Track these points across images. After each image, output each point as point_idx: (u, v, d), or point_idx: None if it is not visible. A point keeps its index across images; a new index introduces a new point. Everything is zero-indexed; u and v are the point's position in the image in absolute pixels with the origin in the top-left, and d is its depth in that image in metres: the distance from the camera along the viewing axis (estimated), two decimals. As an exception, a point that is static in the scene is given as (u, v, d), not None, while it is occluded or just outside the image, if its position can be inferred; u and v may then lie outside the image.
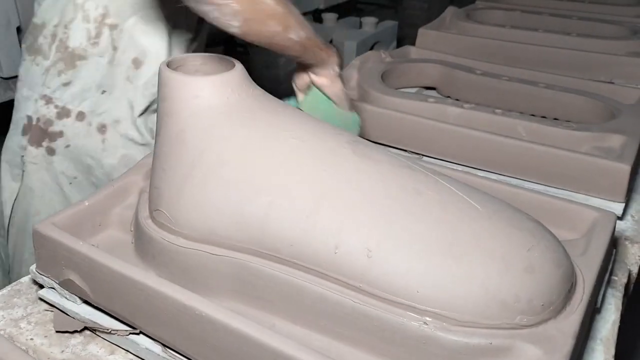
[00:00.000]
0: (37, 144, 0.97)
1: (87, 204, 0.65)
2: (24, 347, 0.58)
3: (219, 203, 0.58)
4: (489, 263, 0.51)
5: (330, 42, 2.68)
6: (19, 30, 1.48)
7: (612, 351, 0.61)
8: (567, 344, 0.48)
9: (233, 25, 0.65)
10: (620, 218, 0.80)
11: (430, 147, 0.93)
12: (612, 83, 1.12)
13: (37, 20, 0.95)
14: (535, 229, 0.55)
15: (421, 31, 1.33)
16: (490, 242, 0.52)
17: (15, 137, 1.00)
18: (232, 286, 0.58)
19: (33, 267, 0.64)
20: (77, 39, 0.92)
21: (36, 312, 0.63)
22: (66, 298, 0.61)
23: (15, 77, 1.51)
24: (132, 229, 0.66)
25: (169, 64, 0.62)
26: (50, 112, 0.95)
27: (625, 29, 1.34)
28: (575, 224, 0.67)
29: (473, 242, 0.52)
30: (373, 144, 0.64)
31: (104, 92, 0.94)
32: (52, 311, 0.63)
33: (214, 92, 0.60)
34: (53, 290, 0.62)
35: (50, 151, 0.97)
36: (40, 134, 0.96)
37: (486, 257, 0.51)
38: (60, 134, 0.96)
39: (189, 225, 0.59)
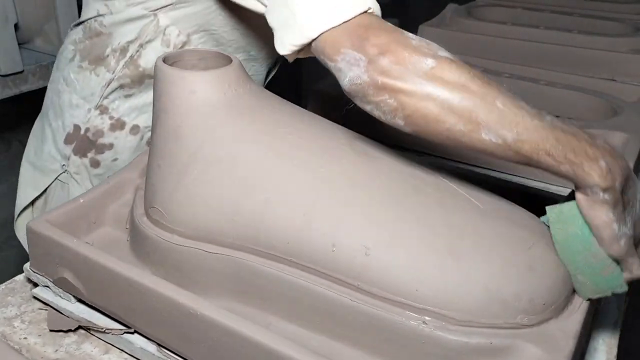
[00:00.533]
0: (82, 154, 0.91)
1: (82, 201, 0.64)
2: (17, 346, 0.58)
3: (215, 200, 0.57)
4: (489, 261, 0.50)
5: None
6: (16, 27, 1.47)
7: (614, 351, 0.60)
8: (568, 344, 0.47)
9: (398, 123, 0.52)
10: (623, 216, 0.79)
11: (431, 145, 0.92)
12: (614, 80, 1.11)
13: (103, 29, 0.86)
14: (536, 227, 0.54)
15: (421, 28, 1.32)
16: (490, 240, 0.51)
17: (55, 143, 0.94)
18: (227, 284, 0.57)
19: (27, 265, 0.63)
20: (151, 60, 0.85)
21: (30, 311, 0.63)
22: (60, 297, 0.61)
23: (13, 74, 1.51)
24: (128, 227, 0.65)
25: (165, 59, 0.61)
26: (104, 123, 0.89)
27: (628, 26, 1.33)
28: (577, 222, 0.66)
29: (473, 240, 0.51)
30: (372, 141, 0.63)
31: None
32: (46, 310, 0.62)
33: (211, 87, 0.59)
34: (47, 288, 0.62)
35: (95, 163, 0.92)
36: (88, 144, 0.91)
37: (486, 255, 0.50)
38: (110, 146, 0.90)
39: (185, 223, 0.58)
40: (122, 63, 0.86)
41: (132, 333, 0.56)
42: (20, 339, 0.59)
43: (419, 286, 0.50)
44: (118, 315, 0.57)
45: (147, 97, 0.88)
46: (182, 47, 0.85)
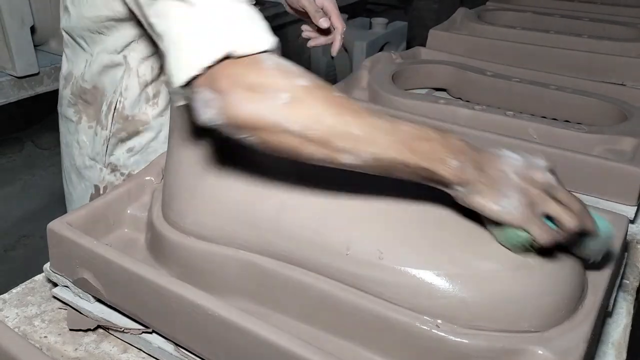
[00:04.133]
0: None
1: (101, 203, 0.66)
2: (37, 345, 0.59)
3: (231, 204, 0.58)
4: (501, 266, 0.51)
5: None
6: (32, 29, 1.49)
7: (624, 355, 0.61)
8: (578, 348, 0.48)
9: (241, 135, 0.50)
10: (632, 221, 0.80)
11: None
12: (624, 85, 1.11)
13: (85, 84, 0.86)
14: (547, 232, 0.55)
15: (432, 32, 1.33)
16: (501, 245, 0.52)
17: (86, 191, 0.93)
18: (243, 286, 0.59)
19: (47, 266, 0.64)
20: (136, 105, 0.84)
21: (50, 310, 0.64)
22: (80, 296, 0.62)
23: (29, 76, 1.54)
24: (146, 228, 0.66)
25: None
26: (117, 179, 0.90)
27: (637, 30, 1.33)
28: (587, 227, 0.66)
29: (484, 245, 0.52)
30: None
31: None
32: (65, 309, 0.63)
33: (227, 93, 0.60)
34: (67, 288, 0.63)
35: None
36: None
37: (497, 260, 0.51)
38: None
39: (201, 225, 0.60)
40: (110, 117, 0.85)
41: (150, 333, 0.58)
42: (40, 337, 0.60)
43: (432, 290, 0.51)
44: (137, 315, 0.58)
45: (147, 147, 0.87)
46: (158, 78, 0.83)
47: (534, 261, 0.52)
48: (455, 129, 0.91)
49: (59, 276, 0.63)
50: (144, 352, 0.59)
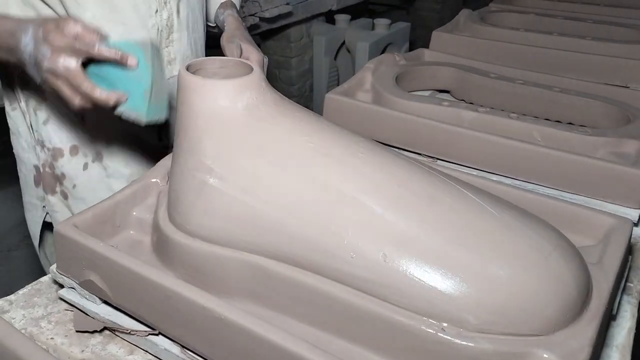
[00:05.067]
0: (52, 190, 0.93)
1: (107, 205, 0.66)
2: (44, 347, 0.59)
3: (236, 207, 0.59)
4: (506, 270, 0.51)
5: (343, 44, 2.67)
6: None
7: (628, 358, 0.61)
8: (583, 351, 0.48)
9: None
10: (636, 224, 0.80)
11: (445, 151, 0.93)
12: (627, 87, 1.11)
13: None
14: (553, 236, 0.55)
15: (435, 34, 1.33)
16: (507, 249, 0.53)
17: (30, 191, 0.96)
18: (248, 288, 0.59)
19: (53, 267, 0.65)
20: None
21: (56, 312, 0.64)
22: (86, 298, 0.62)
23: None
24: (151, 230, 0.67)
25: (187, 67, 0.63)
26: (47, 155, 0.91)
27: (641, 32, 1.33)
28: (591, 230, 0.67)
29: (490, 249, 0.52)
30: (391, 149, 0.64)
31: (82, 117, 0.89)
32: (72, 311, 0.64)
33: (232, 95, 0.60)
34: (73, 290, 0.63)
35: (64, 195, 0.94)
36: (51, 179, 0.93)
37: (503, 264, 0.52)
38: (63, 175, 0.92)
39: (207, 227, 0.60)
40: (18, 88, 0.88)
41: (156, 334, 0.58)
42: (47, 339, 0.61)
43: (437, 293, 0.51)
44: (143, 317, 0.58)
45: (57, 115, 0.88)
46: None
47: (541, 265, 0.52)
48: (459, 132, 0.91)
49: (65, 278, 0.63)
50: (150, 353, 0.59)
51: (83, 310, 0.62)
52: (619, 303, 0.64)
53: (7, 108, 0.93)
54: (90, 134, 0.91)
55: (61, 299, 0.65)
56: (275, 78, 2.67)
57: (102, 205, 0.66)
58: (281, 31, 2.54)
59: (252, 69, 0.63)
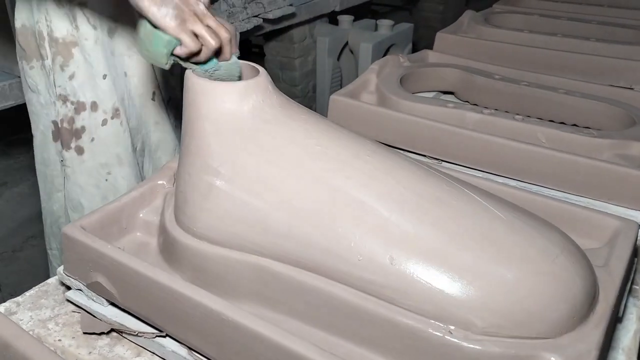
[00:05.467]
0: (68, 146, 0.99)
1: (114, 207, 0.66)
2: (52, 348, 0.60)
3: (243, 209, 0.59)
4: (514, 273, 0.51)
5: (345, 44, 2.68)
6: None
7: (634, 361, 0.61)
8: (590, 354, 0.48)
9: None
10: (642, 226, 0.80)
11: (450, 153, 0.93)
12: (632, 89, 1.11)
13: (17, 23, 0.96)
14: (560, 240, 0.55)
15: (439, 35, 1.33)
16: (514, 252, 0.53)
17: (48, 146, 1.02)
18: (255, 290, 0.59)
19: (61, 269, 0.65)
20: (62, 27, 0.92)
21: (63, 314, 0.65)
22: (93, 300, 0.63)
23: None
24: (158, 232, 0.67)
25: (194, 70, 0.63)
26: (69, 109, 0.97)
27: (646, 34, 1.33)
28: (597, 233, 0.67)
29: (497, 252, 0.53)
30: (397, 151, 0.64)
31: (105, 76, 0.96)
32: (79, 312, 0.64)
33: (240, 98, 0.60)
34: (80, 292, 0.64)
35: (80, 150, 0.99)
36: (68, 134, 0.98)
37: (511, 267, 0.52)
38: (83, 129, 0.98)
39: (214, 230, 0.60)
40: (46, 46, 0.94)
41: (163, 336, 0.58)
42: (54, 340, 0.61)
43: (444, 296, 0.51)
44: (150, 319, 0.59)
45: (84, 71, 0.95)
46: (71, 1, 0.90)
47: (548, 268, 0.52)
48: (463, 133, 0.91)
49: (72, 279, 0.63)
50: (157, 355, 0.59)
51: (90, 312, 0.62)
52: (625, 305, 0.64)
53: (25, 67, 0.99)
54: (110, 91, 0.97)
55: (68, 300, 0.65)
56: (279, 79, 2.67)
57: (109, 208, 0.66)
58: (284, 32, 2.54)
59: (258, 72, 0.64)
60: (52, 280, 0.70)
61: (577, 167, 0.83)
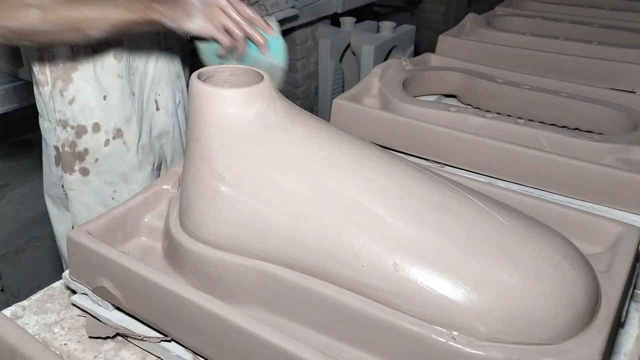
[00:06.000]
0: (70, 169, 1.00)
1: (119, 211, 0.67)
2: (58, 352, 0.60)
3: (247, 215, 0.59)
4: (517, 279, 0.52)
5: (347, 47, 2.68)
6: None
7: (636, 366, 0.62)
8: (593, 360, 0.49)
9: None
10: (644, 231, 0.80)
11: (452, 157, 0.93)
12: (634, 92, 1.11)
13: (26, 53, 0.98)
14: (562, 246, 0.56)
15: (441, 38, 1.34)
16: (517, 258, 0.53)
17: (51, 170, 1.04)
18: (260, 295, 0.59)
19: (66, 273, 0.65)
20: (62, 53, 0.94)
21: (69, 318, 0.65)
22: (98, 304, 0.63)
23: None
24: (163, 237, 0.67)
25: (199, 76, 0.63)
26: (69, 134, 0.98)
27: (648, 37, 1.33)
28: (599, 238, 0.67)
29: (500, 258, 0.53)
30: (400, 156, 0.65)
31: (105, 97, 0.97)
32: (84, 316, 0.64)
33: (244, 104, 0.61)
34: (85, 296, 0.64)
35: (84, 171, 1.00)
36: (70, 158, 1.00)
37: (514, 273, 0.52)
38: (86, 151, 0.99)
39: (218, 235, 0.60)
40: (47, 71, 0.95)
41: (169, 341, 0.59)
42: (60, 344, 0.61)
43: (447, 302, 0.51)
44: (155, 323, 0.59)
45: (83, 94, 0.97)
46: None
47: (550, 274, 0.52)
48: (465, 137, 0.92)
49: (78, 284, 0.64)
50: (162, 360, 0.60)
51: (96, 316, 0.63)
52: (627, 311, 0.64)
53: (35, 91, 1.01)
54: (111, 112, 0.99)
55: (74, 304, 0.65)
56: (280, 80, 2.67)
57: (114, 212, 0.67)
58: (287, 34, 2.54)
59: (262, 77, 0.64)
60: (57, 284, 0.70)
61: (579, 171, 0.84)
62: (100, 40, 0.90)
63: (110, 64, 0.96)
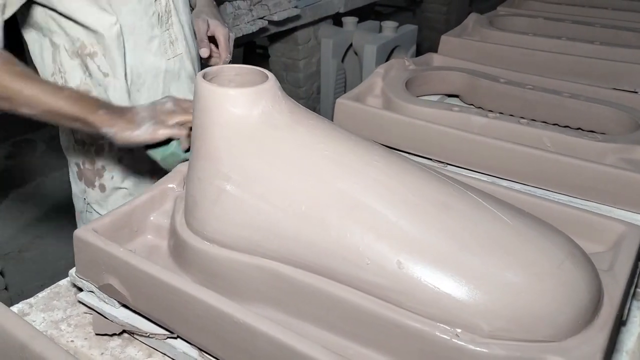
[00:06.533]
0: (92, 184, 1.04)
1: (125, 210, 0.67)
2: (65, 349, 0.61)
3: (252, 213, 0.60)
4: (520, 278, 0.52)
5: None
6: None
7: (638, 364, 0.62)
8: (595, 357, 0.49)
9: None
10: (645, 230, 0.80)
11: (455, 157, 0.94)
12: (636, 92, 1.12)
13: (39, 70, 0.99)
14: (565, 244, 0.56)
15: (444, 38, 1.34)
16: (520, 257, 0.54)
17: (76, 184, 1.07)
18: (265, 293, 0.60)
19: (72, 271, 0.66)
20: (76, 77, 0.95)
21: (75, 315, 0.66)
22: (105, 302, 0.64)
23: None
24: (168, 235, 0.68)
25: (204, 75, 0.64)
26: (88, 150, 1.01)
27: (650, 37, 1.33)
28: (602, 237, 0.67)
29: (503, 257, 0.53)
30: (404, 156, 0.65)
31: None
32: (90, 314, 0.65)
33: (249, 104, 0.61)
34: (92, 293, 0.65)
35: (102, 188, 1.04)
36: (92, 174, 1.03)
37: (517, 271, 0.53)
38: (103, 168, 1.03)
39: (223, 233, 0.61)
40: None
41: (175, 338, 0.59)
42: (67, 341, 0.62)
43: (451, 300, 0.52)
44: (162, 320, 0.60)
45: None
46: (82, 52, 0.93)
47: (554, 272, 0.53)
48: (469, 137, 0.92)
49: (84, 282, 0.64)
50: (168, 356, 0.60)
51: (102, 313, 0.63)
52: (629, 309, 0.65)
53: None
54: None
55: (80, 302, 0.66)
56: (283, 80, 2.68)
57: (120, 211, 0.67)
58: (289, 34, 2.55)
59: (267, 77, 0.64)
60: (63, 282, 0.71)
61: (582, 171, 0.84)
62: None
63: (120, 86, 0.96)
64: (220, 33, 1.03)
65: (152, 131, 0.79)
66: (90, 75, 0.95)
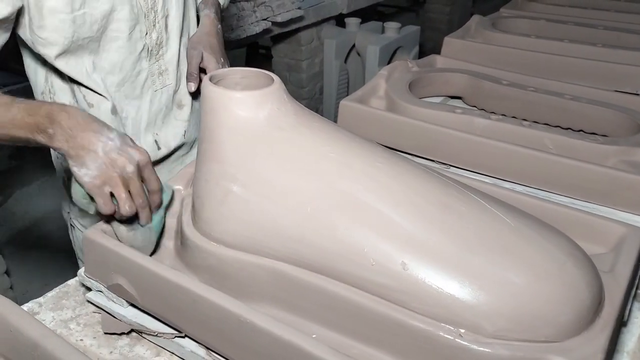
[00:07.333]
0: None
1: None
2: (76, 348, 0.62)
3: (259, 214, 0.61)
4: (522, 279, 0.53)
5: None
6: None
7: (638, 364, 0.63)
8: (596, 358, 0.50)
9: None
10: (647, 232, 0.81)
11: (458, 158, 0.95)
12: (638, 95, 1.12)
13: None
14: (567, 246, 0.57)
15: (447, 40, 1.35)
16: (523, 258, 0.54)
17: (62, 197, 1.06)
18: (271, 293, 0.61)
19: (81, 271, 0.67)
20: (64, 100, 0.92)
21: (84, 314, 0.67)
22: (113, 301, 0.65)
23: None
24: (175, 236, 0.69)
25: (211, 78, 0.65)
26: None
27: (652, 39, 1.34)
28: (603, 238, 0.68)
29: (506, 258, 0.54)
30: (407, 158, 0.66)
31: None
32: (99, 313, 0.66)
33: (255, 106, 0.62)
34: (100, 293, 0.66)
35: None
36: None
37: (519, 272, 0.53)
38: None
39: (230, 234, 0.62)
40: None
41: (182, 337, 0.60)
42: (76, 340, 0.63)
43: (454, 300, 0.53)
44: (169, 320, 0.61)
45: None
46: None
47: (555, 273, 0.54)
48: (472, 139, 0.93)
49: (93, 281, 0.65)
50: (176, 355, 0.61)
51: (110, 312, 0.64)
52: (630, 310, 0.66)
53: None
54: None
55: (89, 301, 0.67)
56: (286, 81, 2.69)
57: (129, 212, 0.68)
58: (292, 34, 2.56)
59: (272, 80, 0.65)
60: (72, 282, 0.72)
61: (584, 173, 0.85)
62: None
63: (104, 117, 0.91)
64: (212, 69, 0.95)
65: (92, 184, 0.63)
66: (77, 102, 0.93)
